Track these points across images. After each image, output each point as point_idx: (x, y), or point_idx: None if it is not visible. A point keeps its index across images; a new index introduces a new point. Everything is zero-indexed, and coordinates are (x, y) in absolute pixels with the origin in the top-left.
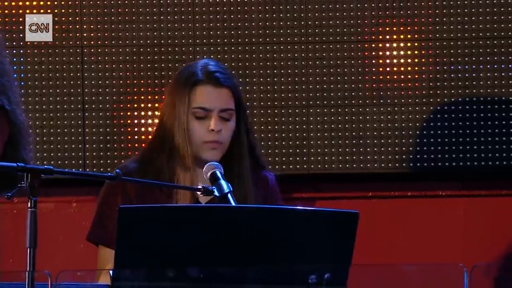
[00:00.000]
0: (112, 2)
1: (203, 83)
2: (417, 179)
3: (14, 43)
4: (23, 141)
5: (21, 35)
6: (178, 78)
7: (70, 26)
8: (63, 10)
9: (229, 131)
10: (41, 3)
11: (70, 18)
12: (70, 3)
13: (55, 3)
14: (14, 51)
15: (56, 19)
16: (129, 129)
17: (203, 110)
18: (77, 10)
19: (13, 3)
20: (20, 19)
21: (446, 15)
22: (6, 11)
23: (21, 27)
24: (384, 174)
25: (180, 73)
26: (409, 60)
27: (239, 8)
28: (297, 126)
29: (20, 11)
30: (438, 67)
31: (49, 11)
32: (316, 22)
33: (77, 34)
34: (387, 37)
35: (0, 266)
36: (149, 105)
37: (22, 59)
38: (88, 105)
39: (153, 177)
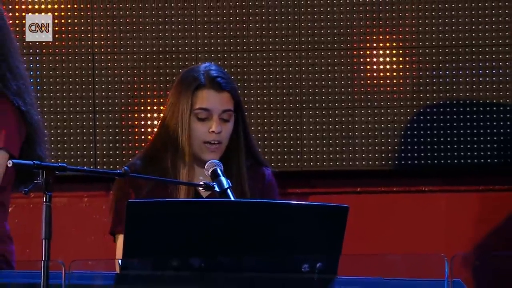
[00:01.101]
0: (120, 13)
1: (205, 87)
2: (402, 176)
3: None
4: (38, 140)
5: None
6: (182, 81)
7: (82, 35)
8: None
9: (228, 131)
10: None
11: (82, 28)
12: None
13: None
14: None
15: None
16: (136, 129)
17: (204, 111)
18: (88, 21)
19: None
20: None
21: (428, 25)
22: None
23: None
24: (372, 171)
25: (183, 76)
26: (394, 66)
27: (237, 18)
28: (291, 127)
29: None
30: (420, 73)
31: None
32: (309, 31)
33: (89, 43)
34: (374, 45)
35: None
36: (155, 107)
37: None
38: (98, 108)
39: (158, 174)
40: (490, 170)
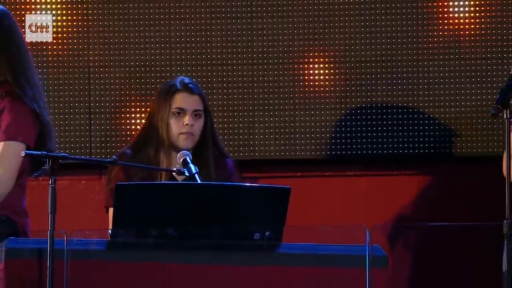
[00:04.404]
0: (111, 34)
1: (180, 91)
2: (332, 163)
3: None
4: (49, 135)
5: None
6: (163, 89)
7: (80, 52)
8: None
9: (199, 126)
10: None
11: (80, 46)
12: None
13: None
14: None
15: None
16: (123, 127)
17: (180, 110)
18: (85, 40)
19: (13, 3)
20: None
21: (353, 44)
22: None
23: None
24: (309, 159)
25: (164, 86)
26: (327, 77)
27: (203, 39)
28: (245, 124)
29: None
30: (347, 82)
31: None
32: (259, 49)
33: (85, 58)
34: (311, 60)
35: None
36: (138, 109)
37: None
38: (93, 110)
39: (143, 161)
40: (401, 158)
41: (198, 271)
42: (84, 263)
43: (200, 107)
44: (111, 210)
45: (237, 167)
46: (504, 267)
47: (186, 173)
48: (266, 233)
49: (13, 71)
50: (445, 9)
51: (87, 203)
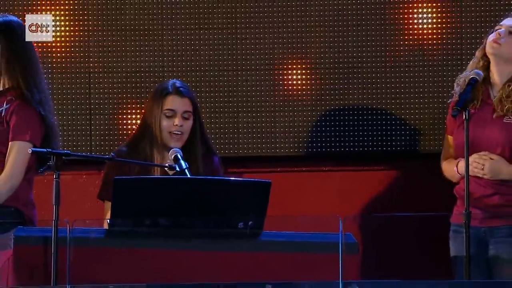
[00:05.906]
0: (109, 43)
1: (171, 94)
2: (309, 159)
3: None
4: (53, 136)
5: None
6: (156, 91)
7: (81, 59)
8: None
9: (188, 126)
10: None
11: (81, 55)
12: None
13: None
14: None
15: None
16: (120, 126)
17: (170, 111)
18: (86, 48)
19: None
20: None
21: (327, 52)
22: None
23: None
24: (288, 156)
25: (157, 88)
26: (304, 81)
27: (192, 47)
28: (231, 124)
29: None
30: (322, 86)
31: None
32: (243, 56)
33: (86, 65)
34: (289, 66)
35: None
36: (133, 110)
37: None
38: (93, 111)
39: (139, 158)
40: (371, 155)
41: (188, 256)
42: (85, 249)
43: (190, 108)
44: (106, 203)
45: (222, 163)
46: (452, 252)
47: (177, 169)
48: (249, 223)
49: (24, 78)
50: (410, 21)
51: (88, 195)
